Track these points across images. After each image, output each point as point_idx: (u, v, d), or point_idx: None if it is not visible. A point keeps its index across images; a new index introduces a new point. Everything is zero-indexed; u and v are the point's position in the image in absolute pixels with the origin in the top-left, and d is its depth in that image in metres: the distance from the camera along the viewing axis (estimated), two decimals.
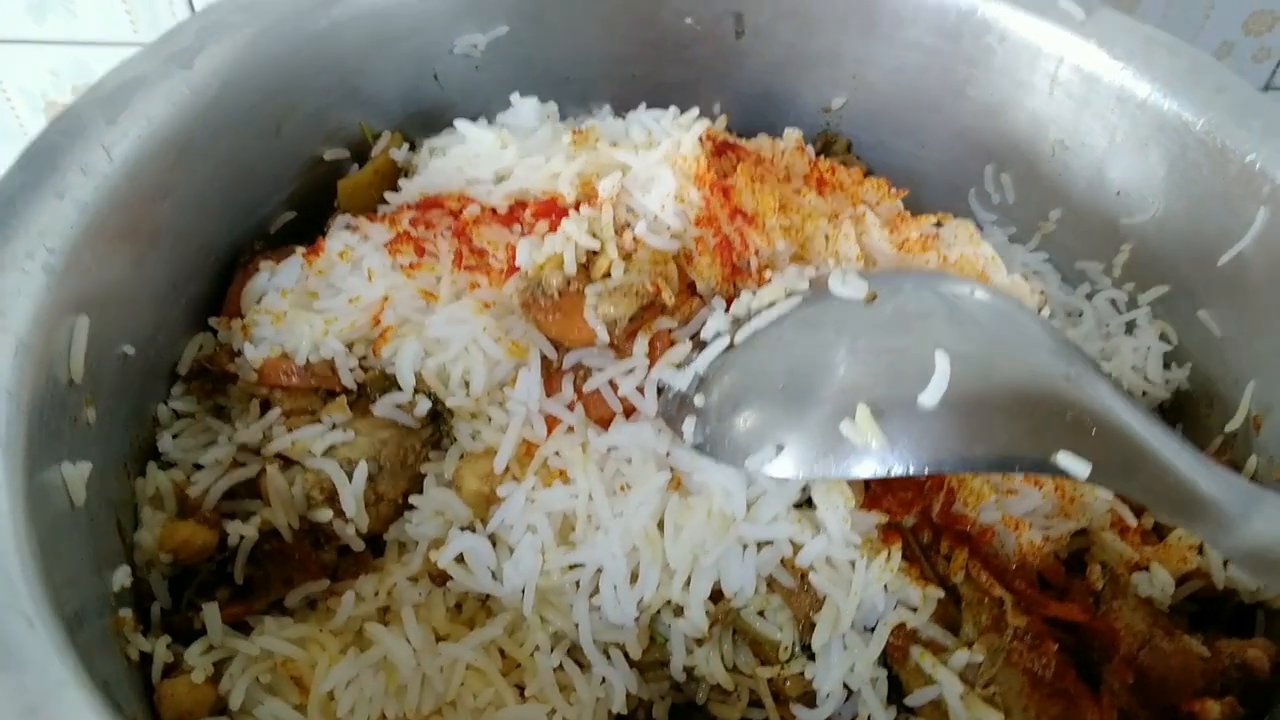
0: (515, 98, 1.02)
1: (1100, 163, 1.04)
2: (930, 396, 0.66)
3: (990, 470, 0.66)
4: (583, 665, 0.79)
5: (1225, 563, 0.85)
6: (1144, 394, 1.02)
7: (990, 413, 0.67)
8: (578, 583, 0.78)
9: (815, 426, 0.69)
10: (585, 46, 1.12)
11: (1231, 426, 0.95)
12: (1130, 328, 1.06)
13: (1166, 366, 1.03)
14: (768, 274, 0.86)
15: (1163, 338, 1.03)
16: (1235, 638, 0.84)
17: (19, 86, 1.54)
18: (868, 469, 0.67)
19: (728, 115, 1.16)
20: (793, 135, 1.02)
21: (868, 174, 1.18)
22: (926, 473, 0.66)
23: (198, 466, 0.85)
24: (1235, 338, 0.96)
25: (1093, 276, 1.10)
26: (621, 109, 1.18)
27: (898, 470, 0.66)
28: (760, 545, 0.75)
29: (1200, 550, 0.86)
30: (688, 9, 1.11)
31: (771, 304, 0.79)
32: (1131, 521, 0.84)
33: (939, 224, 1.04)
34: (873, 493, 0.76)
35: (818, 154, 1.16)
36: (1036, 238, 1.14)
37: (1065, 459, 0.64)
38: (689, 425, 0.76)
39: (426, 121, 1.09)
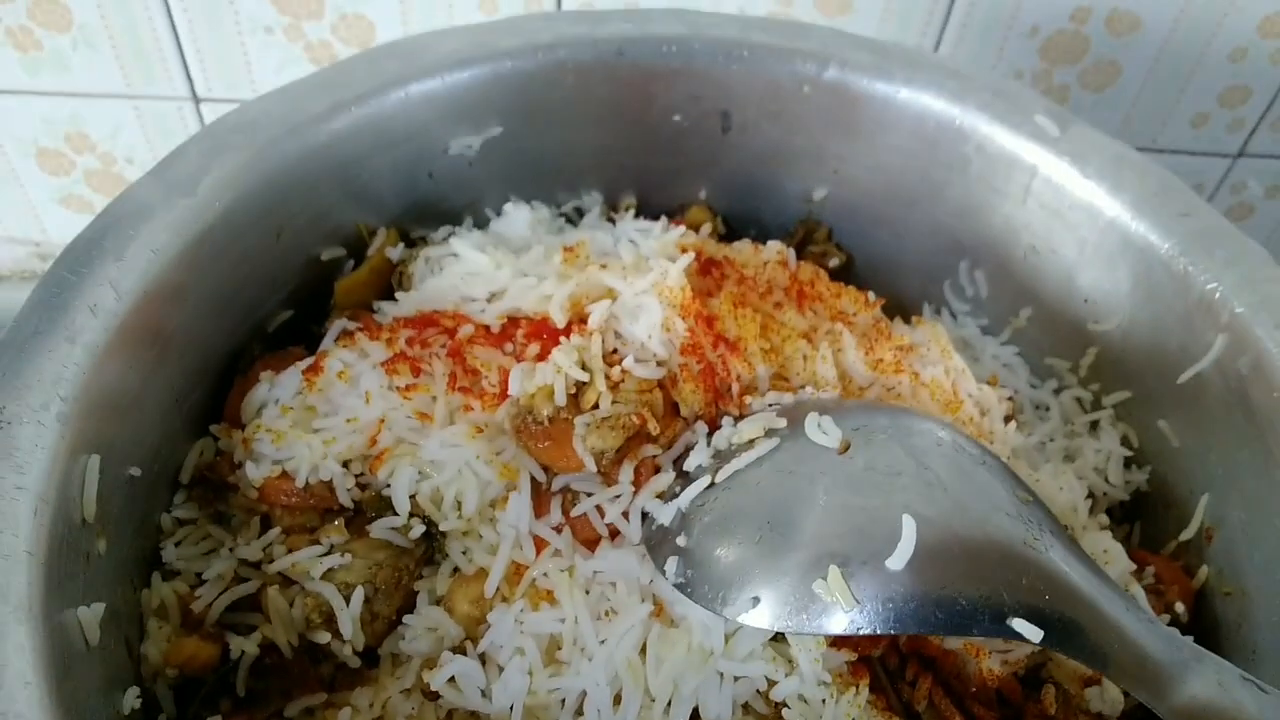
0: (508, 207, 1.06)
1: (1070, 270, 1.09)
2: (897, 561, 0.71)
3: (949, 633, 0.71)
4: None
5: None
6: (1105, 494, 1.07)
7: (951, 577, 0.71)
8: (563, 701, 0.83)
9: (789, 582, 0.74)
10: (576, 141, 1.15)
11: (1185, 536, 1.00)
12: (1094, 427, 1.11)
13: (1127, 468, 1.08)
14: (747, 399, 0.91)
15: (1124, 441, 1.08)
16: None
17: (11, 133, 1.56)
18: (837, 626, 0.72)
19: (715, 209, 1.20)
20: (774, 248, 1.06)
21: (847, 262, 1.23)
22: (892, 632, 0.71)
23: (199, 575, 0.89)
24: (1192, 450, 1.01)
25: (1060, 373, 1.15)
26: (611, 193, 1.22)
27: (865, 630, 0.71)
28: (737, 678, 0.79)
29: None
30: (676, 107, 1.14)
31: (751, 442, 0.84)
32: None
33: (910, 322, 1.09)
34: None
35: (800, 241, 1.21)
36: (1008, 331, 1.19)
37: (1019, 625, 0.69)
38: (671, 565, 0.80)
39: (421, 215, 1.12)
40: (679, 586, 0.79)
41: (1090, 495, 1.06)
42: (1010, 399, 1.08)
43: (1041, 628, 0.70)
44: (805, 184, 1.21)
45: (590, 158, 1.18)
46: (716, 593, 0.77)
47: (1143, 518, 1.08)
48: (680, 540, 0.81)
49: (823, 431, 0.81)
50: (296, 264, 1.04)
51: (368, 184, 1.06)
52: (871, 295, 1.08)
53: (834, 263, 1.21)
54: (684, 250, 0.99)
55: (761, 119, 1.15)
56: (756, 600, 0.74)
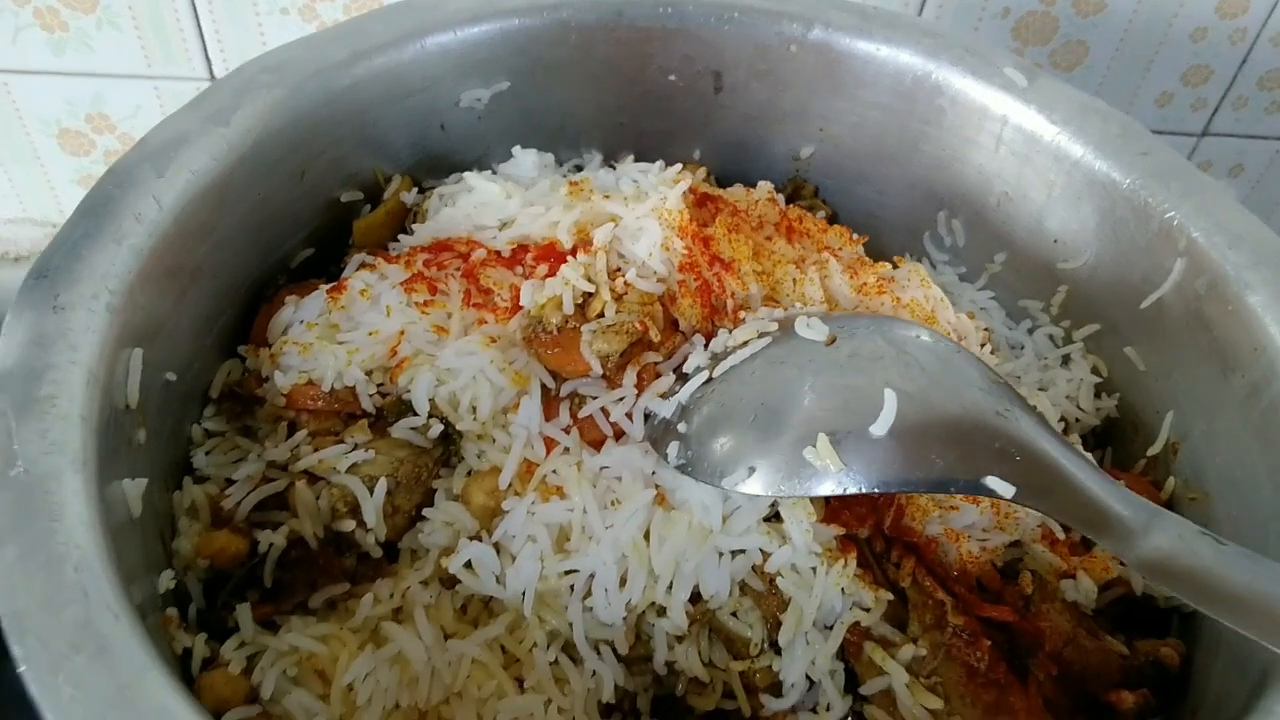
0: (517, 150, 1.13)
1: (1039, 213, 1.16)
2: (879, 428, 0.77)
3: (929, 490, 0.77)
4: (576, 660, 0.89)
5: None
6: (1077, 420, 1.14)
7: (929, 442, 0.78)
8: (572, 587, 0.88)
9: (782, 452, 0.80)
10: (578, 99, 1.22)
11: (1153, 451, 1.07)
12: (1066, 361, 1.18)
13: (1097, 396, 1.15)
14: (742, 314, 0.97)
15: (1094, 371, 1.15)
16: (1152, 638, 0.96)
17: (35, 114, 1.63)
18: (827, 488, 0.78)
19: (708, 168, 1.28)
20: (765, 187, 1.13)
21: (832, 217, 1.30)
22: (876, 491, 0.77)
23: (229, 480, 0.94)
24: (1156, 372, 1.08)
25: (1033, 314, 1.22)
26: (610, 153, 1.29)
27: (851, 489, 0.77)
28: (734, 554, 0.85)
29: (1121, 561, 0.97)
30: (671, 68, 1.21)
31: (745, 343, 0.90)
32: (1060, 534, 0.96)
33: (895, 265, 1.16)
34: (832, 508, 0.87)
35: (788, 198, 1.28)
36: (984, 277, 1.26)
37: (993, 482, 0.76)
38: (673, 449, 0.86)
39: (433, 165, 1.19)
40: (680, 468, 0.85)
41: (1063, 421, 1.12)
42: (985, 330, 1.15)
43: (1013, 485, 0.76)
44: (793, 143, 1.29)
45: (591, 116, 1.25)
46: (715, 468, 0.83)
47: (1113, 443, 1.15)
48: (681, 427, 0.87)
49: (810, 328, 0.88)
50: (318, 204, 1.10)
51: (384, 132, 1.13)
52: (855, 235, 1.15)
53: (820, 216, 1.28)
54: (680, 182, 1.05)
55: (751, 79, 1.23)
56: (752, 470, 0.81)
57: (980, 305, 1.25)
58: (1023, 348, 1.21)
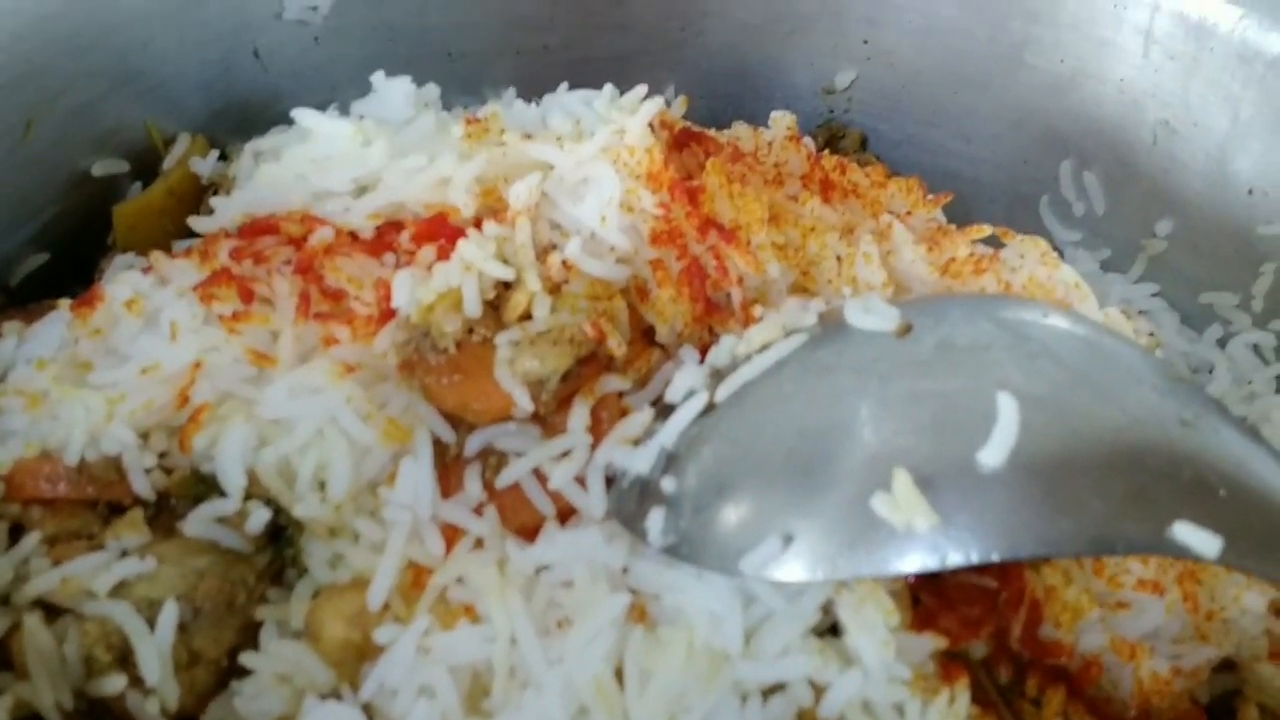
0: (378, 78, 1.12)
1: (1222, 149, 1.17)
2: (994, 455, 0.75)
3: (1083, 552, 0.75)
4: None
5: None
6: None
7: (1077, 473, 0.75)
8: None
9: (836, 506, 0.78)
10: (476, 6, 1.23)
11: None
12: None
13: None
14: (757, 311, 0.95)
15: None
16: None
17: None
18: (915, 561, 0.75)
19: (687, 99, 1.28)
20: (783, 121, 1.13)
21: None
22: (996, 559, 0.74)
23: None
24: None
25: (1225, 313, 1.22)
26: (532, 95, 1.29)
27: (955, 559, 0.74)
28: (766, 693, 0.82)
29: None
30: None
31: (765, 347, 0.88)
32: None
33: (1001, 242, 1.16)
34: (924, 609, 0.84)
35: (819, 150, 1.28)
36: (1141, 262, 1.26)
37: (1185, 531, 0.73)
38: (655, 520, 0.83)
39: (243, 119, 1.18)
40: (670, 550, 0.83)
41: None
42: (1150, 338, 1.14)
43: (1219, 536, 0.74)
44: (821, 65, 1.30)
45: (497, 35, 1.25)
46: (727, 545, 0.80)
47: None
48: (667, 486, 0.84)
49: (870, 313, 0.86)
50: (56, 180, 1.09)
51: (161, 62, 1.12)
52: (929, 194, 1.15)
53: None
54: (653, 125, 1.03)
55: None
56: (789, 539, 0.78)
57: (1140, 308, 1.25)
58: (1212, 368, 1.21)
